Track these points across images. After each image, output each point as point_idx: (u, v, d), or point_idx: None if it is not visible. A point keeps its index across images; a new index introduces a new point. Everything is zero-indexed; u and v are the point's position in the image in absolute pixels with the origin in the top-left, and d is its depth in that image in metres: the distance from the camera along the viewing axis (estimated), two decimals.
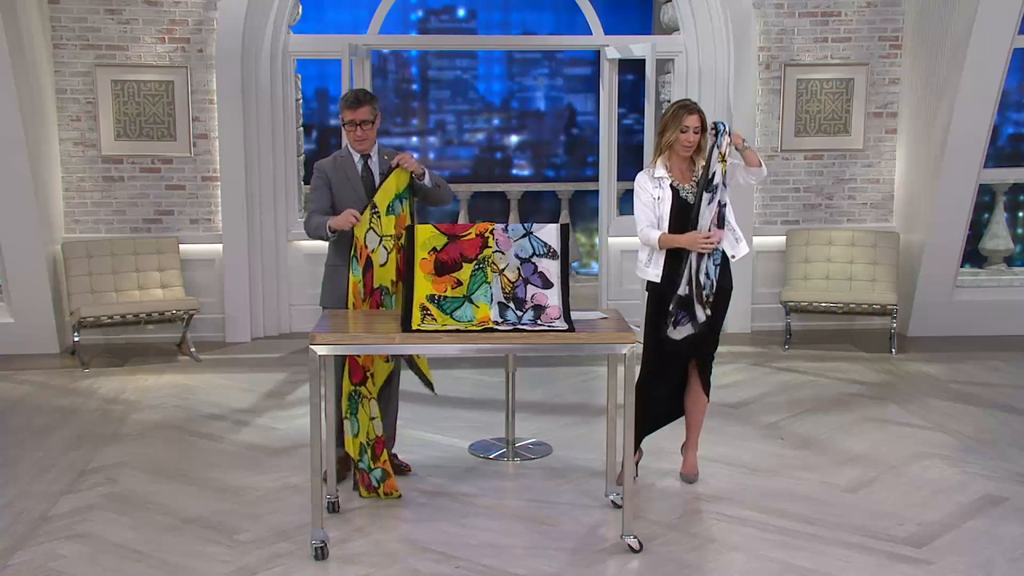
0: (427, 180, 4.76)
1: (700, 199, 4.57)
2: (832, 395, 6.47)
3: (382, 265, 4.63)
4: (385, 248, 4.63)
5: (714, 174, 4.53)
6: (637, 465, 4.85)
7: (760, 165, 4.67)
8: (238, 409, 6.18)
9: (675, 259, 4.64)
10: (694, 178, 4.68)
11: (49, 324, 7.57)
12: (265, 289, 8.17)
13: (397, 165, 4.69)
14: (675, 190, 4.66)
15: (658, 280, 4.69)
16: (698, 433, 4.94)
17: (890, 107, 8.29)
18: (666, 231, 4.63)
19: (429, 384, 4.97)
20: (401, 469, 5.02)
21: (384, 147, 4.93)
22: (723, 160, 4.52)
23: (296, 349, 7.69)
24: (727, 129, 4.54)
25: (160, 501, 4.68)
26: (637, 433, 4.67)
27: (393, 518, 4.49)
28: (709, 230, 4.56)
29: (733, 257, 4.69)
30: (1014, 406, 6.22)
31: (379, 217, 4.62)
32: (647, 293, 4.82)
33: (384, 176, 4.70)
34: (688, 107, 4.65)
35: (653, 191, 4.69)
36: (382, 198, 4.64)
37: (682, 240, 4.58)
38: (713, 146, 4.54)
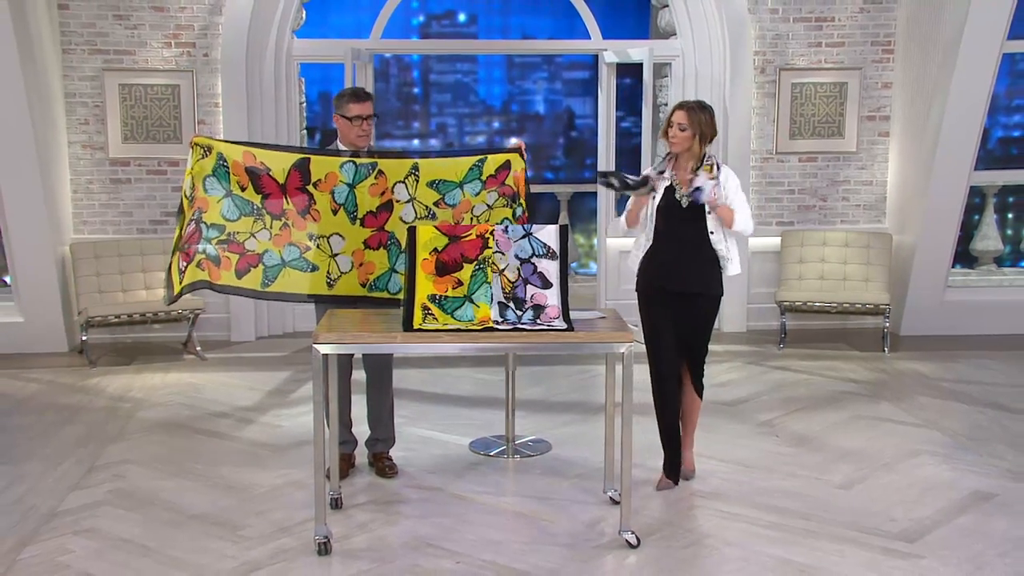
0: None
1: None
2: (826, 393, 6.53)
3: (406, 222, 4.63)
4: (415, 210, 4.72)
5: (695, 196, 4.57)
6: (661, 486, 4.85)
7: (731, 225, 4.63)
8: (243, 407, 6.24)
9: (658, 252, 4.69)
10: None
11: (58, 323, 7.63)
12: None
13: (515, 149, 4.83)
14: (672, 189, 4.67)
15: (636, 267, 4.79)
16: (693, 431, 4.99)
17: (883, 111, 8.37)
18: (652, 226, 4.69)
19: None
20: (388, 471, 4.99)
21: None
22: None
23: (300, 348, 7.74)
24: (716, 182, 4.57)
25: (166, 497, 4.72)
26: (660, 427, 4.82)
27: (395, 514, 4.54)
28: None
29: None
30: (1004, 404, 6.28)
31: (416, 180, 4.71)
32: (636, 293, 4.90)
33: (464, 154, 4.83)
34: (680, 104, 4.71)
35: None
36: (432, 167, 4.74)
37: (639, 199, 4.66)
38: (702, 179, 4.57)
